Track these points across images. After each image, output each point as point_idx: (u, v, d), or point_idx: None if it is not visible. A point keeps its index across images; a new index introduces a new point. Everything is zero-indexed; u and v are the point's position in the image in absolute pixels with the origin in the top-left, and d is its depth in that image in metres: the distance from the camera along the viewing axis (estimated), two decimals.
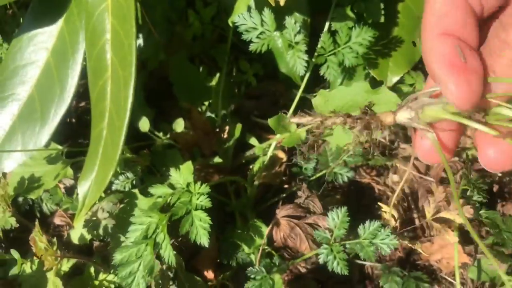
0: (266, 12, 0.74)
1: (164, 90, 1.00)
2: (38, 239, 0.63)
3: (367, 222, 0.66)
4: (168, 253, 0.62)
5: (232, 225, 0.83)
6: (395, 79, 0.80)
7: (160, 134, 0.90)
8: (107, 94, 0.70)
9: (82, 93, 0.96)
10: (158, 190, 0.68)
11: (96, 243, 0.79)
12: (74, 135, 1.02)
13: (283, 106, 0.94)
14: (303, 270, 0.83)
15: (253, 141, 0.86)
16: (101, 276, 0.68)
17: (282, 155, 0.91)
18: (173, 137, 0.85)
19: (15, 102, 0.80)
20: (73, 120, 1.06)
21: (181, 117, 0.89)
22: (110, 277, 0.68)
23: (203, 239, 0.63)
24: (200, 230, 0.63)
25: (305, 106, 0.97)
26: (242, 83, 0.92)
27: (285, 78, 0.96)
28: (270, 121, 0.75)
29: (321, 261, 0.65)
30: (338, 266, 0.63)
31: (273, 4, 0.60)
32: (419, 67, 0.88)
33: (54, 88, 0.78)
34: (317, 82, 0.96)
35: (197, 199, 0.65)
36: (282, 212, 0.80)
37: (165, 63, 0.96)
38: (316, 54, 0.77)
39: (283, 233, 0.78)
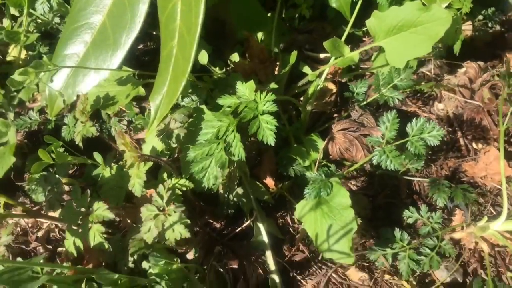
0: None
1: (217, 31, 1.07)
2: (121, 136, 0.70)
3: (414, 120, 0.69)
4: (238, 150, 0.69)
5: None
6: (444, 4, 0.84)
7: (216, 69, 0.96)
8: (177, 15, 0.76)
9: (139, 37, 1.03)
10: (227, 100, 0.74)
11: (164, 159, 0.86)
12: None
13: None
14: (354, 188, 0.88)
15: (306, 69, 0.91)
16: (174, 180, 0.75)
17: (332, 86, 0.96)
18: (232, 65, 0.91)
19: (88, 31, 0.87)
20: (133, 62, 1.13)
21: (234, 53, 0.95)
22: (182, 181, 0.75)
23: (270, 139, 0.69)
24: (267, 131, 0.69)
25: (353, 41, 1.03)
26: (294, 18, 0.97)
27: (334, 17, 1.01)
28: (326, 43, 0.80)
29: (375, 162, 0.69)
30: (391, 164, 0.68)
31: None
32: None
33: (125, 15, 0.84)
34: (362, 21, 1.00)
35: (263, 105, 0.71)
36: (337, 126, 0.85)
37: (218, 5, 1.02)
38: None
39: (339, 146, 0.83)
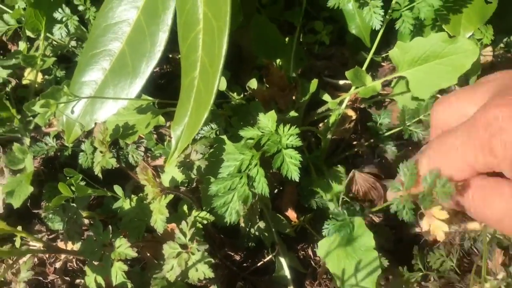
0: None
1: (234, 55, 1.06)
2: (143, 171, 0.69)
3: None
4: (262, 185, 0.67)
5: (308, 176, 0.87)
6: (468, 34, 0.83)
7: (234, 95, 0.95)
8: (199, 45, 0.75)
9: None
10: (249, 133, 0.73)
11: (182, 189, 0.85)
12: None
13: (352, 67, 0.98)
14: (377, 220, 0.87)
15: (326, 97, 0.90)
16: (194, 212, 0.74)
17: (351, 113, 0.95)
18: (251, 92, 0.90)
19: (107, 58, 0.86)
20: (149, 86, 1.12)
21: (252, 79, 0.95)
22: (203, 214, 0.74)
23: (294, 174, 0.68)
24: (291, 166, 0.68)
25: (372, 66, 1.02)
26: (313, 43, 0.96)
27: (353, 42, 1.00)
28: (348, 73, 0.79)
29: (392, 210, 0.68)
30: (407, 216, 0.66)
31: None
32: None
33: (145, 43, 0.83)
34: (383, 46, 0.99)
35: (287, 139, 0.70)
36: (360, 167, 0.84)
37: (235, 30, 1.01)
38: (390, 10, 0.80)
39: (361, 186, 0.82)
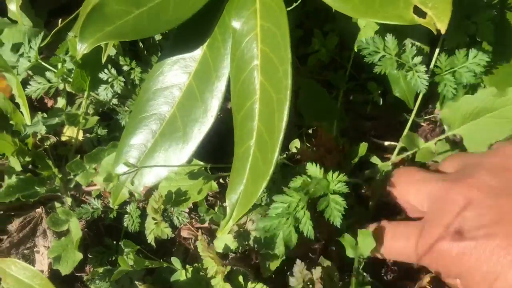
0: (389, 37, 0.81)
1: None
2: (204, 244, 0.68)
3: None
4: (307, 227, 0.69)
5: None
6: None
7: None
8: (255, 115, 0.75)
9: None
10: (298, 181, 0.73)
11: (231, 255, 0.84)
12: None
13: (396, 128, 0.99)
14: None
15: (375, 159, 0.90)
16: (250, 284, 0.73)
17: None
18: (295, 153, 0.91)
19: (157, 121, 0.87)
20: None
21: (295, 139, 0.96)
22: (259, 285, 0.73)
23: (336, 220, 0.69)
24: (335, 211, 0.69)
25: (412, 129, 1.02)
26: (361, 103, 0.98)
27: (394, 103, 1.01)
28: (403, 139, 0.83)
29: None
30: None
31: (434, 32, 0.65)
32: None
33: (197, 108, 0.84)
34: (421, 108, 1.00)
35: (335, 185, 0.71)
36: None
37: None
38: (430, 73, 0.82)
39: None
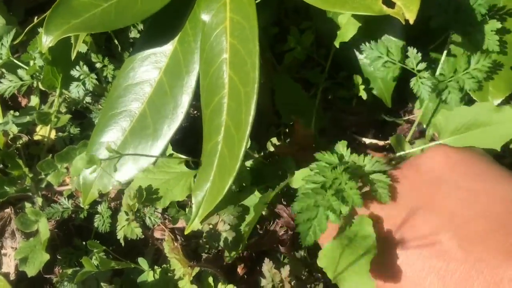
0: (392, 43, 0.79)
1: None
2: (170, 245, 0.66)
3: None
4: (353, 197, 0.62)
5: None
6: (496, 102, 0.82)
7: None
8: (224, 110, 0.73)
9: None
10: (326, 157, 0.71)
11: (204, 255, 0.82)
12: None
13: (373, 125, 0.98)
14: None
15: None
16: (220, 285, 0.71)
17: None
18: (276, 148, 0.89)
19: (127, 118, 0.85)
20: None
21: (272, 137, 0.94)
22: (230, 287, 0.70)
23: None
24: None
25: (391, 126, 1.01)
26: (342, 100, 0.96)
27: (373, 101, 0.99)
28: (392, 140, 0.81)
29: None
30: None
31: (403, 21, 0.63)
32: None
33: (167, 105, 0.82)
34: (396, 107, 0.99)
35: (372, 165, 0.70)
36: None
37: None
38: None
39: None
